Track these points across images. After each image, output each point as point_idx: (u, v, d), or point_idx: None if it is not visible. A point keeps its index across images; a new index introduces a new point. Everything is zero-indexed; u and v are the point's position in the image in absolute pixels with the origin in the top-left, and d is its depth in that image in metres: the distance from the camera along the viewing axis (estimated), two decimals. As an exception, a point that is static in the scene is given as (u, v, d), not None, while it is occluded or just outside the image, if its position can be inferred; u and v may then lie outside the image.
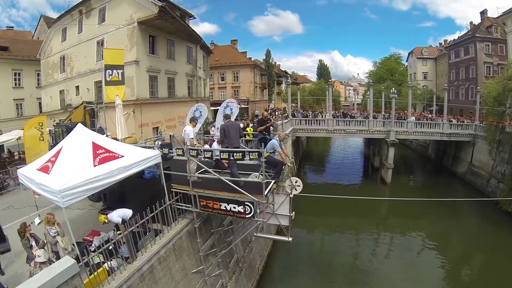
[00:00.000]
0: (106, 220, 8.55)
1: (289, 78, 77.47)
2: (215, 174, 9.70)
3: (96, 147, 8.03)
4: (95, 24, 25.91)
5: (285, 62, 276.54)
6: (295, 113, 38.77)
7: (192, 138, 10.54)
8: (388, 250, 20.59)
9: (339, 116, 39.75)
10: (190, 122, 11.00)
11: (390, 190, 32.53)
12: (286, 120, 32.14)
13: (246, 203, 9.10)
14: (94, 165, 7.46)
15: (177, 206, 10.17)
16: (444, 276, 17.64)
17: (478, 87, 41.96)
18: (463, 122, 38.15)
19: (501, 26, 48.05)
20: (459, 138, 35.71)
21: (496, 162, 30.43)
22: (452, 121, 38.25)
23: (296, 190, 10.12)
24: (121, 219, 8.41)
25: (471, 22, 60.38)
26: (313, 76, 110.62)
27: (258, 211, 9.26)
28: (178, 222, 10.25)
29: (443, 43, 70.64)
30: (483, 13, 55.60)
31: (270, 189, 9.36)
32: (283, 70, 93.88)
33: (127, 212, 8.58)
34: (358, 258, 19.52)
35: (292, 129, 32.60)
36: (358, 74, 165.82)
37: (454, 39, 63.29)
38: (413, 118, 38.31)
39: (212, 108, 40.65)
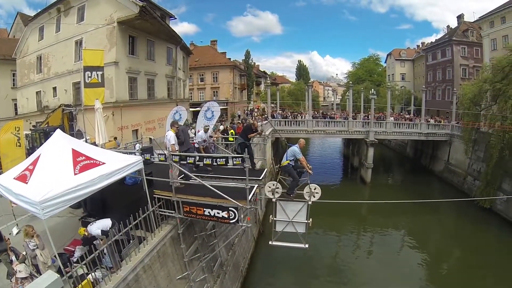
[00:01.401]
0: (86, 233, 8.30)
1: (268, 78, 77.67)
2: (197, 179, 9.60)
3: (76, 154, 7.74)
4: (73, 23, 25.30)
5: (264, 62, 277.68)
6: (275, 114, 38.82)
7: (174, 144, 10.40)
8: (369, 248, 21.00)
9: (318, 117, 39.96)
10: (171, 127, 10.83)
11: (370, 189, 33.06)
12: (266, 121, 32.17)
13: (230, 208, 8.99)
14: (75, 174, 7.20)
15: (160, 212, 10.02)
16: (425, 272, 18.14)
17: (454, 89, 43.35)
18: (440, 122, 39.10)
19: (477, 30, 49.72)
20: (436, 137, 36.71)
21: (472, 161, 31.36)
22: (429, 121, 39.13)
23: (315, 197, 10.00)
24: (100, 230, 8.15)
25: (448, 26, 62.33)
26: (292, 77, 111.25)
27: (242, 216, 9.19)
28: (162, 228, 10.09)
29: (420, 45, 72.36)
30: (460, 17, 57.85)
31: (253, 194, 9.33)
32: (262, 70, 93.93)
33: (106, 223, 8.27)
34: (340, 257, 19.81)
35: (271, 130, 32.69)
36: (337, 74, 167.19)
37: (431, 41, 65.12)
38: (392, 118, 39.05)
39: (191, 109, 40.41)
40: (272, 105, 42.72)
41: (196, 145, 12.97)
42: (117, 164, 8.25)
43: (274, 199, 9.98)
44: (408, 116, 46.35)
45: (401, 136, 38.22)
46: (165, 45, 30.14)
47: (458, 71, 53.60)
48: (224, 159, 8.79)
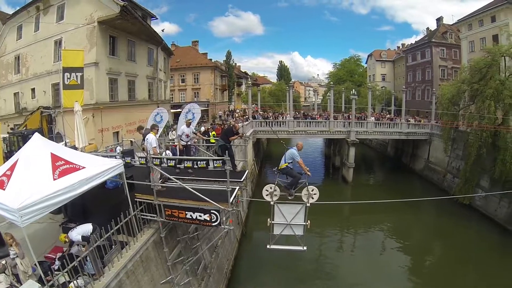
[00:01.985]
0: (67, 239, 8.15)
1: (249, 79, 77.62)
2: (179, 182, 9.52)
3: (55, 158, 7.53)
4: (53, 22, 24.64)
5: (245, 63, 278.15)
6: (256, 115, 38.84)
7: (155, 147, 10.31)
8: (352, 247, 21.32)
9: (300, 118, 40.17)
10: (152, 130, 10.71)
11: (352, 188, 33.48)
12: (247, 122, 32.19)
13: (211, 211, 8.97)
14: (54, 179, 7.00)
15: (142, 216, 9.91)
16: (408, 269, 18.61)
17: (433, 89, 44.34)
18: (420, 122, 39.93)
19: (456, 32, 51.38)
20: (417, 136, 37.54)
21: (451, 159, 32.21)
22: (410, 121, 39.91)
23: (313, 198, 10.05)
24: (81, 236, 8.00)
25: (427, 28, 64.05)
26: (273, 77, 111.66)
27: (224, 218, 9.17)
28: (144, 232, 9.98)
29: (400, 47, 73.72)
30: (439, 20, 59.44)
31: (235, 196, 9.31)
32: (243, 71, 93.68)
33: (87, 228, 8.14)
34: (324, 256, 19.96)
35: (252, 131, 32.75)
36: (318, 75, 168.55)
37: (411, 43, 66.56)
38: (373, 118, 39.65)
39: (172, 110, 40.13)
40: (254, 105, 42.84)
41: (183, 143, 12.83)
42: (97, 168, 8.10)
43: (272, 202, 9.96)
44: (389, 116, 47.13)
45: (382, 136, 38.89)
46: (146, 45, 29.74)
47: (437, 72, 54.93)
48: (204, 162, 8.73)
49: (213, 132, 20.85)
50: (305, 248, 10.23)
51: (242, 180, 10.95)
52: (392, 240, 22.41)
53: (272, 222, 10.24)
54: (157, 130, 10.87)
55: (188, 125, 13.07)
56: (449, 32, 55.53)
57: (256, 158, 37.43)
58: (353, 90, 42.81)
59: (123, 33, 25.74)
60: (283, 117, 40.03)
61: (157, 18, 33.03)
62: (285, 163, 10.20)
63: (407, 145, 42.12)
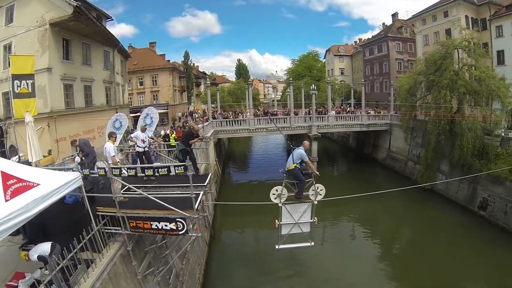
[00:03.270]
0: (27, 258, 7.56)
1: (208, 79, 76.93)
2: (139, 191, 9.13)
3: (6, 177, 6.87)
4: (1, 25, 23.04)
5: (203, 62, 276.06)
6: (216, 115, 38.65)
7: (114, 156, 9.87)
8: (321, 240, 21.44)
9: (260, 115, 40.34)
10: (109, 138, 10.23)
11: (317, 182, 33.61)
12: (207, 123, 31.91)
13: (177, 219, 8.64)
14: (6, 200, 6.40)
15: (106, 230, 9.42)
16: (379, 256, 19.31)
17: (391, 81, 45.87)
18: (380, 113, 41.13)
19: (411, 27, 53.73)
20: (377, 127, 38.85)
21: (412, 147, 33.62)
22: (370, 112, 41.02)
23: (321, 195, 9.96)
24: (37, 256, 7.40)
25: (383, 23, 66.95)
26: (231, 76, 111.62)
27: (191, 226, 8.91)
28: (110, 247, 9.43)
29: (358, 42, 75.81)
30: (394, 15, 62.17)
31: (200, 202, 9.09)
32: (202, 71, 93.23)
33: (44, 248, 7.50)
34: (292, 251, 19.97)
35: (213, 131, 32.52)
36: (276, 71, 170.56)
37: (368, 38, 68.66)
38: (333, 112, 40.33)
39: (131, 115, 39.11)
40: (213, 105, 42.58)
41: (140, 149, 12.35)
42: (53, 184, 7.54)
43: (280, 204, 9.83)
44: (349, 108, 48.19)
45: (344, 129, 39.79)
46: (102, 48, 28.63)
47: (394, 64, 57.25)
48: (165, 169, 8.40)
49: (173, 135, 20.34)
50: (313, 243, 10.32)
51: (205, 184, 10.69)
52: (361, 229, 23.13)
53: (280, 223, 10.14)
54: (115, 137, 10.35)
55: (143, 130, 12.53)
56: (404, 27, 58.00)
57: (218, 158, 37.19)
58: (313, 85, 43.27)
59: (77, 36, 24.56)
60: (243, 116, 40.00)
61: (112, 19, 31.95)
62: (293, 163, 9.97)
63: (368, 136, 43.35)
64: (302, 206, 10.00)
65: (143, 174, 9.09)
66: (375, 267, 17.87)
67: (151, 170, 8.59)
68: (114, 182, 8.96)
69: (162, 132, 22.47)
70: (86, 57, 26.01)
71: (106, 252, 9.14)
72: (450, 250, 19.01)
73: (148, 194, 8.96)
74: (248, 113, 38.13)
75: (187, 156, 10.35)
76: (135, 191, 9.25)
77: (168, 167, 8.45)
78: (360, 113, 39.47)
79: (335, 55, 76.46)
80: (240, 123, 35.77)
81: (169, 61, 61.78)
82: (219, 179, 33.16)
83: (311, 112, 37.48)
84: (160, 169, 8.48)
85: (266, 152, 54.52)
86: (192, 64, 72.80)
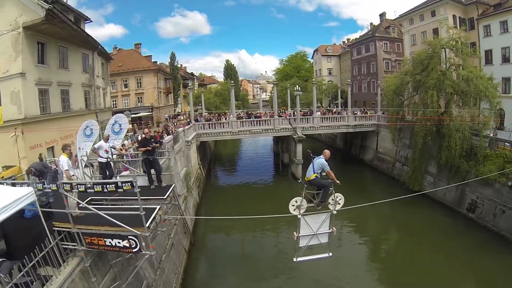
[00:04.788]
0: None
1: (195, 80, 76.43)
2: (89, 207, 8.65)
3: None
4: (-27, 30, 22.46)
5: (193, 63, 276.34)
6: (198, 118, 38.28)
7: (67, 170, 9.39)
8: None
9: (243, 117, 39.94)
10: (63, 151, 9.71)
11: (302, 185, 33.26)
12: (188, 126, 31.42)
13: (129, 237, 8.21)
14: None
15: (64, 246, 8.90)
16: (366, 258, 19.36)
17: (378, 81, 45.71)
18: (367, 113, 40.93)
19: (398, 27, 53.69)
20: (364, 128, 38.57)
21: (399, 148, 33.43)
22: (356, 113, 40.75)
23: (340, 204, 9.77)
24: None
25: (371, 23, 66.95)
26: (221, 77, 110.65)
27: (143, 244, 8.40)
28: (68, 262, 8.90)
29: (346, 42, 75.53)
30: (382, 15, 62.12)
31: (154, 218, 8.63)
32: (190, 72, 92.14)
33: None
34: (279, 255, 19.76)
35: (195, 135, 32.10)
36: (266, 71, 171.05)
37: (356, 38, 68.50)
38: (319, 113, 40.03)
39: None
40: (199, 107, 42.03)
41: (103, 160, 11.79)
42: (1, 201, 7.11)
43: (300, 216, 9.49)
44: (335, 109, 47.96)
45: (329, 130, 39.37)
46: (80, 51, 27.85)
47: (381, 64, 57.09)
48: (113, 185, 7.88)
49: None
50: (330, 254, 10.08)
51: (165, 197, 10.18)
52: (349, 232, 22.87)
53: (299, 235, 9.81)
54: (70, 150, 9.81)
55: (106, 140, 11.98)
56: (391, 26, 57.97)
57: (202, 161, 36.78)
58: (297, 86, 42.83)
59: (53, 39, 23.81)
60: (226, 118, 39.52)
61: (91, 21, 31.26)
62: (314, 173, 9.71)
63: (356, 137, 43.15)
64: (320, 217, 9.76)
65: (92, 190, 8.50)
66: (361, 270, 17.82)
67: (100, 185, 7.99)
68: (66, 198, 8.44)
69: (126, 142, 22.02)
70: (63, 61, 25.27)
71: (63, 268, 8.63)
72: (438, 253, 18.82)
73: (108, 207, 8.54)
74: (231, 116, 37.66)
75: (151, 167, 9.87)
76: (94, 205, 8.81)
77: (116, 183, 7.90)
78: (346, 114, 39.14)
79: (322, 55, 76.48)
80: (223, 126, 35.19)
81: (156, 62, 61.02)
82: (202, 183, 32.79)
83: (295, 114, 37.08)
84: (108, 185, 7.90)
85: (255, 153, 54.48)
86: (179, 65, 72.06)
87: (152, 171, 11.64)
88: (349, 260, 18.50)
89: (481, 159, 23.53)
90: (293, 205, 9.59)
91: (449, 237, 20.87)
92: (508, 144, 23.39)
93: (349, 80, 50.80)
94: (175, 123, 35.20)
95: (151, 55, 61.09)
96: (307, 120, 36.78)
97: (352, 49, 65.96)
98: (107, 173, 11.59)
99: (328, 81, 71.14)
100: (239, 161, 50.51)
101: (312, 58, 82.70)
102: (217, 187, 36.18)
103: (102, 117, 29.05)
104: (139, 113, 49.66)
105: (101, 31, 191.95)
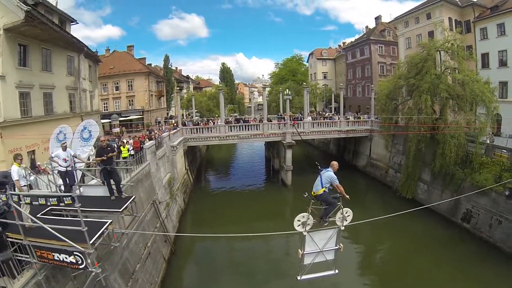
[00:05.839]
0: None
1: (190, 83, 75.78)
2: (31, 218, 8.11)
3: None
4: (-47, 33, 21.94)
5: (190, 66, 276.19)
6: (186, 122, 37.87)
7: (18, 180, 8.86)
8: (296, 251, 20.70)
9: (231, 122, 39.28)
10: (15, 161, 9.18)
11: (292, 192, 33.14)
12: (175, 131, 30.85)
13: (74, 252, 7.69)
14: None
15: (18, 257, 8.35)
16: (356, 268, 18.87)
17: (373, 85, 45.27)
18: (359, 118, 40.43)
19: (393, 30, 53.06)
20: (357, 134, 38.10)
21: (392, 154, 32.94)
22: (349, 118, 40.23)
23: (347, 220, 9.33)
24: None
25: (366, 26, 66.44)
26: (217, 80, 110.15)
27: (89, 261, 7.84)
28: (23, 274, 8.38)
29: (341, 45, 74.93)
30: (377, 18, 61.18)
31: (101, 233, 8.13)
32: (185, 75, 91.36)
33: None
34: (271, 264, 19.42)
35: (182, 139, 31.64)
36: (263, 75, 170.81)
37: (351, 41, 67.73)
38: (310, 118, 39.45)
39: (103, 121, 38.11)
40: (195, 110, 41.41)
41: (62, 169, 11.19)
42: None
43: (305, 233, 8.88)
44: (327, 114, 47.49)
45: (321, 135, 38.90)
46: (65, 53, 27.20)
47: (376, 68, 56.36)
48: (56, 199, 7.35)
49: (126, 147, 19.23)
50: (337, 271, 9.54)
51: (121, 210, 9.61)
52: (342, 239, 22.25)
53: (304, 253, 9.16)
54: (21, 159, 9.31)
55: (64, 148, 11.38)
56: (387, 30, 57.24)
57: (190, 166, 36.28)
58: (287, 90, 42.37)
59: (36, 41, 23.26)
60: (214, 122, 39.09)
61: (77, 23, 30.69)
62: (322, 188, 8.98)
63: (349, 142, 42.73)
64: (327, 233, 9.21)
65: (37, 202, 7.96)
66: (353, 279, 17.46)
67: (43, 198, 7.46)
68: (15, 209, 7.92)
69: (125, 141, 21.51)
70: (46, 63, 24.70)
71: (17, 280, 8.19)
72: (432, 263, 18.43)
73: (64, 219, 7.99)
74: (219, 120, 37.15)
75: (110, 177, 9.33)
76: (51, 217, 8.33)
77: (59, 196, 7.37)
78: (338, 118, 38.60)
79: (318, 59, 75.88)
80: (211, 131, 34.57)
81: (150, 64, 60.61)
82: (189, 188, 32.30)
83: (285, 119, 36.55)
84: (51, 198, 7.38)
85: (248, 158, 54.21)
86: (174, 68, 71.49)
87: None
88: (340, 269, 18.10)
89: (477, 166, 22.96)
90: (298, 221, 8.96)
91: (444, 248, 20.39)
92: (505, 151, 22.78)
93: (341, 84, 50.56)
94: (160, 128, 34.54)
95: (145, 58, 60.63)
96: (298, 125, 35.94)
97: (347, 53, 65.31)
98: (67, 182, 11.02)
99: (323, 85, 70.68)
100: (231, 166, 50.12)
101: (307, 62, 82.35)
102: (206, 192, 35.63)
103: (88, 121, 28.52)
104: (129, 116, 49.08)
105: (99, 32, 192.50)
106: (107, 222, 8.44)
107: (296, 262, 17.52)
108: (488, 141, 24.77)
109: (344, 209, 9.33)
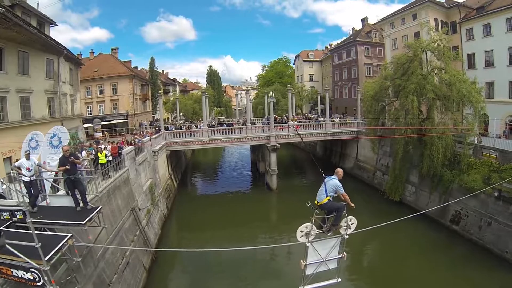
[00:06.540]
0: None
1: (177, 86, 75.01)
2: None
3: None
4: None
5: (178, 69, 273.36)
6: (169, 126, 37.36)
7: None
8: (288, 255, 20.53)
9: (215, 125, 38.65)
10: None
11: (277, 195, 32.93)
12: (157, 135, 30.22)
13: (31, 269, 7.13)
14: None
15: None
16: (348, 272, 18.41)
17: (359, 86, 44.97)
18: (345, 120, 40.14)
19: (380, 31, 53.08)
20: (343, 136, 37.58)
21: (379, 156, 32.71)
22: (334, 120, 39.92)
23: (351, 229, 8.87)
24: None
25: (353, 28, 66.09)
26: (205, 83, 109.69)
27: (46, 278, 7.27)
28: None
29: (328, 47, 74.91)
30: (364, 20, 61.38)
31: (59, 248, 7.58)
32: (172, 78, 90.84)
33: None
34: (261, 269, 19.15)
35: (165, 144, 31.04)
36: (250, 78, 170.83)
37: (338, 43, 67.68)
38: (292, 121, 39.05)
39: (85, 125, 37.34)
40: (181, 114, 40.76)
41: (26, 179, 10.49)
42: None
43: (308, 243, 8.41)
44: (312, 116, 47.21)
45: (306, 138, 38.28)
46: (44, 56, 26.34)
47: (362, 69, 56.48)
48: (8, 213, 6.80)
49: (104, 153, 18.53)
50: (339, 280, 8.99)
51: (84, 222, 8.99)
52: None
53: (306, 263, 8.67)
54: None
55: (28, 157, 10.75)
56: (373, 31, 57.51)
57: (174, 170, 35.75)
58: (271, 92, 42.06)
59: (12, 43, 22.44)
60: (197, 126, 38.59)
61: (56, 25, 29.94)
62: (326, 196, 8.52)
63: (336, 145, 42.46)
64: (330, 242, 8.76)
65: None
66: (344, 285, 16.66)
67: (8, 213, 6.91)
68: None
69: (103, 148, 20.76)
70: (23, 66, 23.87)
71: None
72: (423, 267, 18.27)
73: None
74: (202, 124, 36.56)
75: (74, 187, 8.76)
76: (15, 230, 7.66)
77: (12, 211, 6.82)
78: (324, 121, 38.25)
79: (304, 61, 75.74)
80: (193, 135, 33.93)
81: (136, 67, 59.85)
82: (173, 194, 31.71)
83: (269, 122, 35.88)
84: (3, 212, 6.82)
85: (235, 162, 53.71)
86: (160, 71, 70.56)
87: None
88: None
89: (465, 167, 22.81)
90: (301, 231, 8.46)
91: (432, 250, 20.13)
92: (493, 152, 22.61)
93: (327, 86, 50.28)
94: (141, 132, 33.77)
95: (130, 60, 59.89)
96: (282, 128, 35.64)
97: (334, 54, 65.18)
98: (32, 192, 10.38)
99: (310, 87, 70.56)
100: (217, 170, 49.56)
101: (294, 64, 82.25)
102: (191, 197, 34.99)
103: (69, 125, 27.54)
104: (113, 120, 47.98)
105: (86, 34, 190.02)
106: (67, 236, 7.83)
107: (287, 269, 17.30)
108: (476, 142, 24.54)
109: (348, 217, 8.94)
